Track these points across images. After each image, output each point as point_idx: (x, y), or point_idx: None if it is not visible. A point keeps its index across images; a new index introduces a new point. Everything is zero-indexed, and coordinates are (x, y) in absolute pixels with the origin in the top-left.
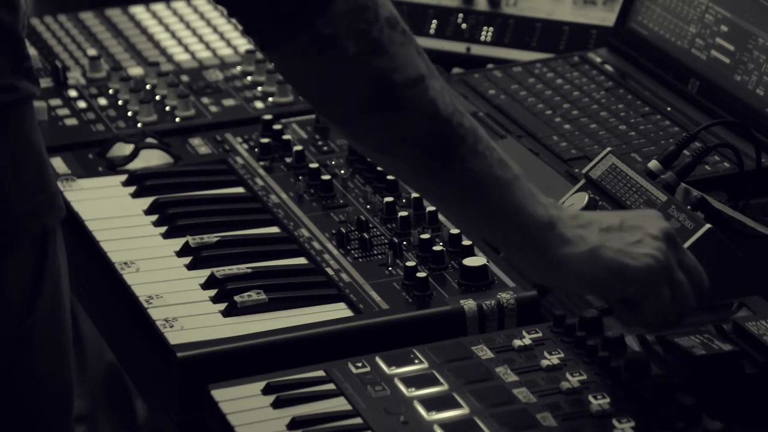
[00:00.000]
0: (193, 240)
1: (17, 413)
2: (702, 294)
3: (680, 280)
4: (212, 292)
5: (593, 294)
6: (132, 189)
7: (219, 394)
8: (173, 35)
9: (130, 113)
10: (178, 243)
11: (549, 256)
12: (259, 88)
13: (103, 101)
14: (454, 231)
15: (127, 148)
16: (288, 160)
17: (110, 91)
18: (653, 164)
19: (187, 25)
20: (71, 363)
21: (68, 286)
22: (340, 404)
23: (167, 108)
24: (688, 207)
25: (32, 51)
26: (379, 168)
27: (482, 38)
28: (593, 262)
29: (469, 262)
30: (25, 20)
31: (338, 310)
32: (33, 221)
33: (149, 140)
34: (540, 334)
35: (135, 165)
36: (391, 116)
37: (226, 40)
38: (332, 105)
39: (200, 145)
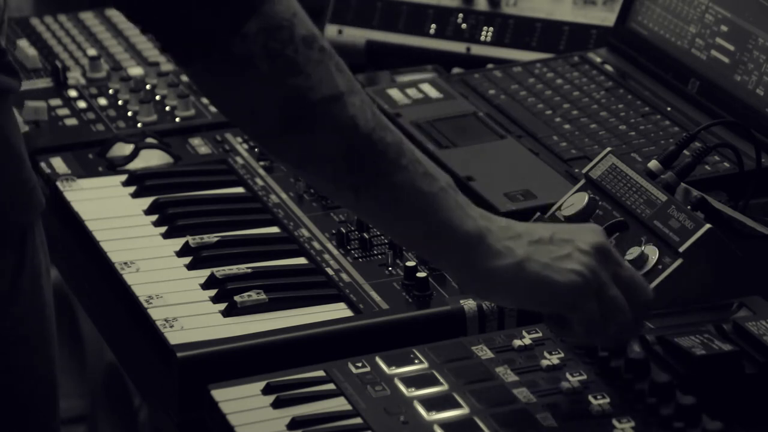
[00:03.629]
0: (193, 240)
1: (2, 405)
2: (645, 305)
3: (612, 295)
4: (212, 292)
5: (524, 308)
6: (132, 189)
7: (219, 394)
8: None
9: (130, 113)
10: (178, 243)
11: (479, 268)
12: None
13: (103, 101)
14: None
15: (127, 148)
16: None
17: (110, 91)
18: (653, 164)
19: None
20: (56, 357)
21: (50, 282)
22: (340, 404)
23: (167, 108)
24: (688, 207)
25: (32, 51)
26: None
27: (482, 38)
28: (519, 275)
29: None
30: (4, 15)
31: (338, 310)
32: (12, 217)
33: (149, 140)
34: (540, 334)
35: (135, 165)
36: (307, 134)
37: None
38: (248, 123)
39: (200, 145)
